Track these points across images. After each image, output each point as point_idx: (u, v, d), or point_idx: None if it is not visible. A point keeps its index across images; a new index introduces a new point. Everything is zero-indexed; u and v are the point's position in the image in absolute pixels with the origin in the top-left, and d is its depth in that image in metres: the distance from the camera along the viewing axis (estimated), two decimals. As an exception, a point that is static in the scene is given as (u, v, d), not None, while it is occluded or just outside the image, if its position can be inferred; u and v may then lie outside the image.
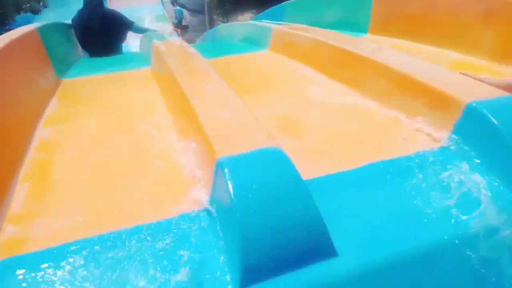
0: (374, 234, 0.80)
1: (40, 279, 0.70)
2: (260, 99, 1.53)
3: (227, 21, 15.94)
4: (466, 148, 1.02)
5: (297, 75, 1.78)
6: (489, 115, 0.97)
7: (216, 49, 2.99)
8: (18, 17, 10.58)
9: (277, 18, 3.83)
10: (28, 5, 10.51)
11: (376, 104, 1.37)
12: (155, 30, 3.55)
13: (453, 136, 1.07)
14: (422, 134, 1.15)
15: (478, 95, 1.05)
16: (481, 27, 1.97)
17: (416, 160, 1.02)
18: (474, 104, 1.01)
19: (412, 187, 0.92)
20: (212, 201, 0.83)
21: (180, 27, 15.23)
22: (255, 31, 2.53)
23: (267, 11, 4.53)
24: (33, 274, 0.71)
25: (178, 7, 15.73)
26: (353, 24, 2.60)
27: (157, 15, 16.63)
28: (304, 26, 2.21)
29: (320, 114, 1.36)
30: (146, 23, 15.37)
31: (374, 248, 0.76)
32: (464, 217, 0.83)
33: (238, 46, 2.74)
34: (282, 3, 3.73)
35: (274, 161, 0.80)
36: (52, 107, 1.52)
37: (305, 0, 3.37)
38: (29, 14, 11.01)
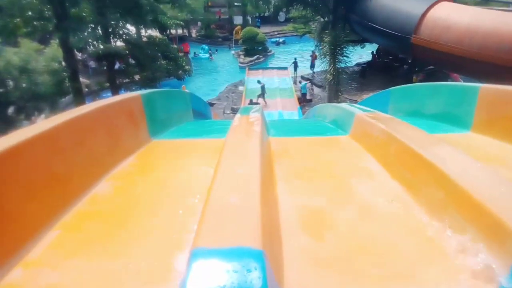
0: None
1: None
2: (301, 186, 1.46)
3: (351, 98, 16.16)
4: None
5: (360, 168, 1.65)
6: None
7: (301, 128, 3.02)
8: (165, 82, 12.99)
9: (384, 102, 3.71)
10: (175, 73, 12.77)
11: (427, 217, 1.15)
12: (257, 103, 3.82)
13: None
14: (470, 271, 0.90)
15: None
16: None
17: None
18: None
19: None
20: None
21: (304, 100, 16.20)
22: (342, 115, 2.49)
23: (375, 94, 4.45)
24: None
25: (304, 82, 16.78)
26: (455, 118, 2.32)
27: (285, 87, 18.11)
28: (390, 116, 2.07)
29: (358, 216, 1.21)
30: (275, 94, 16.64)
31: None
32: None
33: (323, 128, 2.73)
34: (389, 89, 3.62)
35: (245, 265, 0.74)
36: (125, 164, 1.74)
37: (411, 87, 3.20)
38: (174, 80, 13.45)
